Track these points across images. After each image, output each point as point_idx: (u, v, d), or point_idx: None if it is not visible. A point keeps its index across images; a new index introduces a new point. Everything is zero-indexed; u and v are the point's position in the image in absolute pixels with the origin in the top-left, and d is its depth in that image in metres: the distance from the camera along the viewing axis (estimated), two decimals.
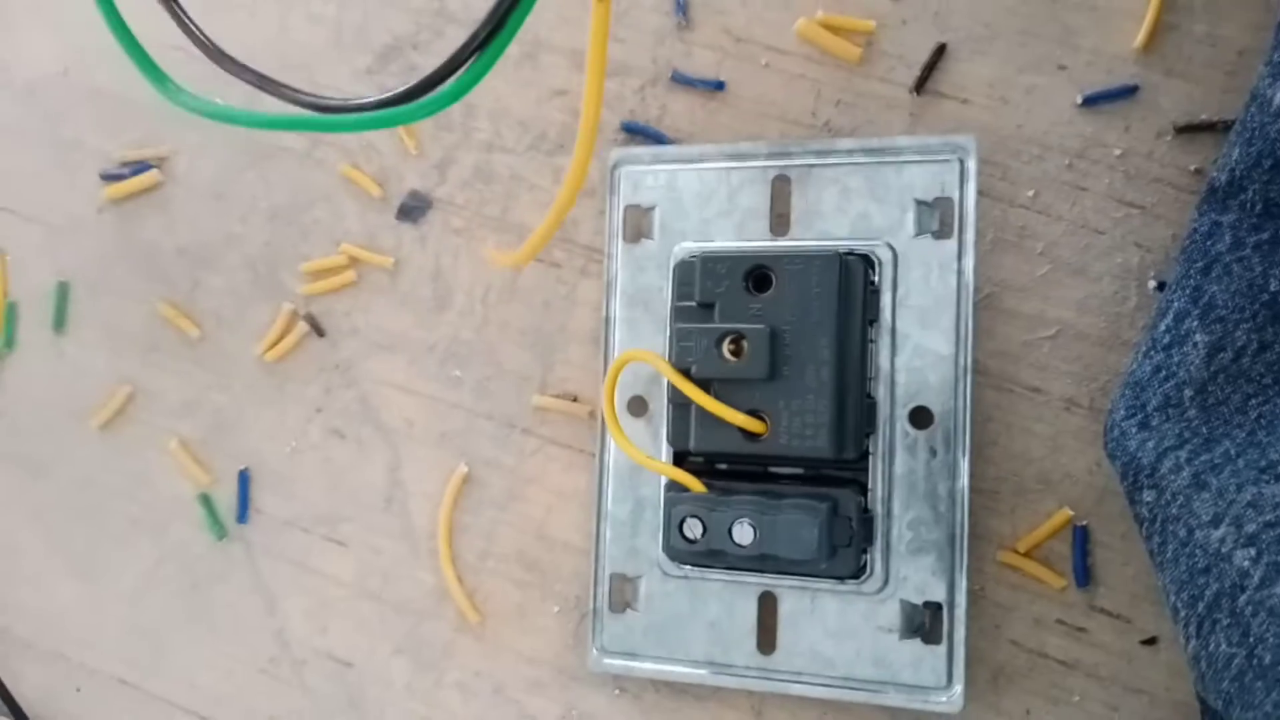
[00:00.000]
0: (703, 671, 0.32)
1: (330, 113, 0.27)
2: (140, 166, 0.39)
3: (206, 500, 0.38)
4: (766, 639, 0.32)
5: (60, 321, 0.40)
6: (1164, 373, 0.27)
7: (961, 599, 0.30)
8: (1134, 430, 0.27)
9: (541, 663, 0.35)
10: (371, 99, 0.25)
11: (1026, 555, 0.31)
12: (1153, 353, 0.27)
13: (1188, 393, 0.27)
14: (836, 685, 0.31)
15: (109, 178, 0.39)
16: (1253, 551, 0.23)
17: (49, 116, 0.40)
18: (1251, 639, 0.22)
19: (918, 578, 0.30)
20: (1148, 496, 0.26)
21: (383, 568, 0.36)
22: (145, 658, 0.38)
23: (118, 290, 0.39)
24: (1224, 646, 0.23)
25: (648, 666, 0.32)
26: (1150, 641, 0.30)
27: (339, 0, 0.37)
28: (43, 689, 0.39)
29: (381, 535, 0.36)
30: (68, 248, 0.40)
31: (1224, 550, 0.24)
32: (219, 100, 0.30)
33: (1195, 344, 0.27)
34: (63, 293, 0.40)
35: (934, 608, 0.30)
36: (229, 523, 0.37)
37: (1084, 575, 0.30)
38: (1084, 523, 0.31)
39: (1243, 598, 0.23)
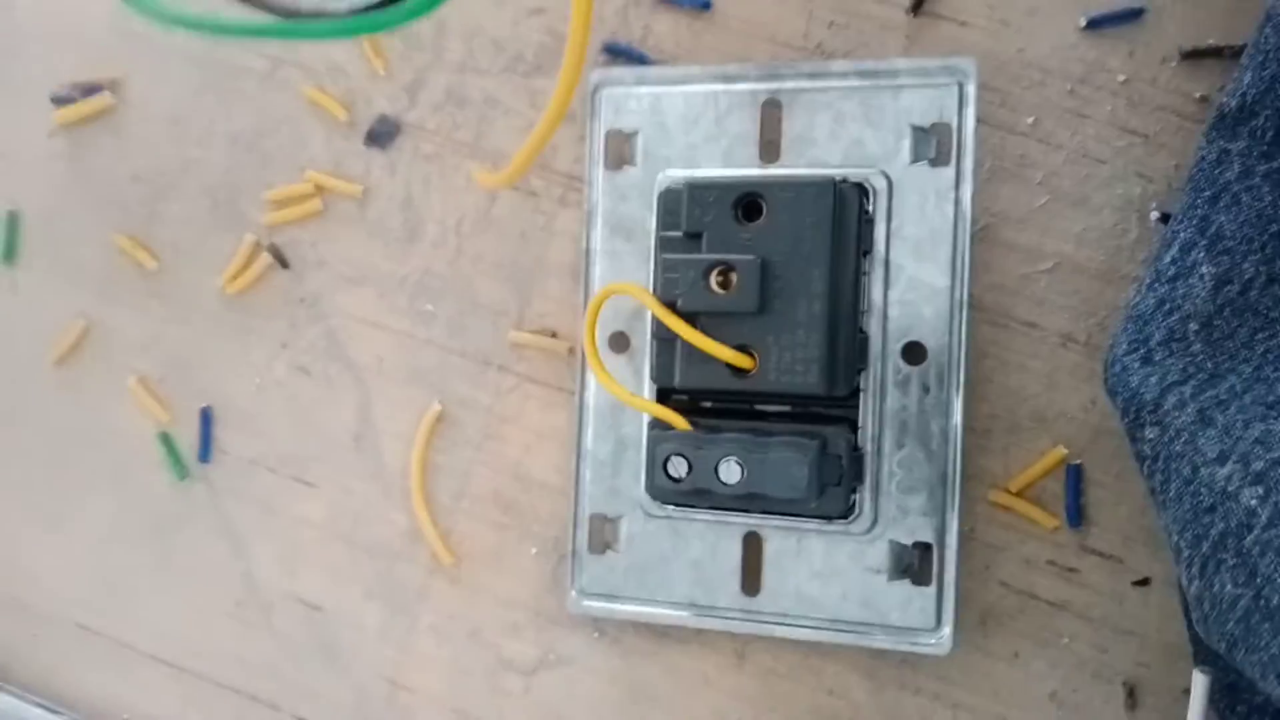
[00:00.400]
0: (685, 613, 0.31)
1: (301, 19, 0.25)
2: (92, 89, 0.37)
3: (167, 439, 0.36)
4: (751, 580, 0.31)
5: (10, 253, 0.38)
6: (1168, 306, 0.26)
7: (952, 540, 0.29)
8: (1136, 365, 0.26)
9: (519, 605, 0.34)
10: (345, 4, 0.24)
11: (1018, 495, 0.30)
12: (1157, 285, 0.26)
13: (1192, 326, 0.26)
14: (822, 627, 0.30)
15: (59, 101, 0.37)
16: (1260, 490, 0.22)
17: (2, 38, 0.38)
18: (1259, 580, 0.22)
19: (907, 518, 0.29)
20: (1150, 433, 0.25)
21: (353, 509, 0.35)
22: (107, 602, 0.37)
23: (70, 220, 0.37)
24: (1229, 587, 0.22)
25: (628, 608, 0.32)
26: (1143, 583, 0.30)
27: None
28: (4, 634, 0.38)
29: (352, 475, 0.35)
30: (17, 176, 0.38)
31: (1230, 489, 0.23)
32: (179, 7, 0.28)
33: (1201, 276, 0.26)
34: (12, 223, 0.38)
35: (923, 548, 0.29)
36: (191, 463, 0.36)
37: (1076, 515, 0.30)
38: (1078, 461, 0.30)
39: (1249, 537, 0.22)
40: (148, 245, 0.37)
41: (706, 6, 0.32)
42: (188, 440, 0.36)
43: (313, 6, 0.24)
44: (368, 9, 0.23)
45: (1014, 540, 0.30)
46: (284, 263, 0.35)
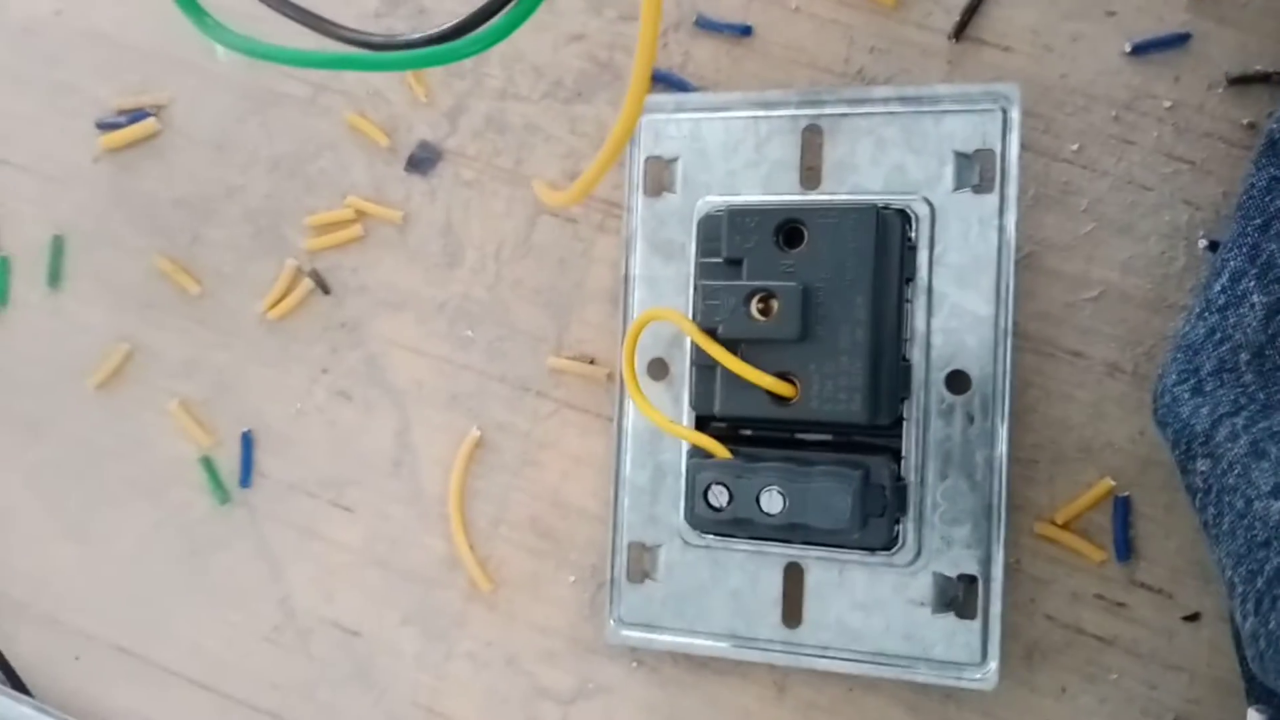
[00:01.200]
0: (724, 644, 0.31)
1: (377, 50, 0.25)
2: (137, 114, 0.37)
3: (208, 463, 0.36)
4: (791, 611, 0.30)
5: (55, 277, 0.38)
6: (1219, 335, 0.26)
7: (998, 572, 0.29)
8: (1187, 396, 0.25)
9: (556, 633, 0.33)
10: (419, 35, 0.24)
11: (1064, 527, 0.30)
12: (1207, 314, 0.26)
13: (1244, 356, 0.25)
14: (864, 660, 0.30)
15: (105, 126, 0.38)
16: None
17: (43, 60, 0.39)
18: None
19: (952, 550, 0.29)
20: (1202, 465, 0.25)
21: (391, 534, 0.35)
22: (145, 625, 0.37)
23: (114, 244, 0.38)
24: None
25: (667, 639, 0.31)
26: (1193, 617, 0.29)
27: None
28: (39, 655, 0.38)
29: (390, 501, 0.35)
30: (63, 199, 0.38)
31: None
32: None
33: (1253, 305, 0.25)
34: (58, 247, 0.38)
35: (968, 580, 0.29)
36: (231, 486, 0.36)
37: (1125, 548, 0.29)
38: (1126, 493, 0.29)
39: None
40: (190, 270, 0.37)
41: (747, 32, 0.32)
42: (228, 464, 0.36)
43: (383, 38, 0.24)
44: (443, 37, 0.23)
45: (1061, 573, 0.30)
46: (325, 288, 0.35)
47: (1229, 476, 0.24)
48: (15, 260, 0.39)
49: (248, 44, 0.28)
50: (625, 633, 0.32)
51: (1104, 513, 0.29)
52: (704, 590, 0.31)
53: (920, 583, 0.29)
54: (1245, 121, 0.29)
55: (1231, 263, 0.26)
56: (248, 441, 0.36)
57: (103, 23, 0.38)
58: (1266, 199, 0.26)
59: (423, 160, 0.35)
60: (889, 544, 0.29)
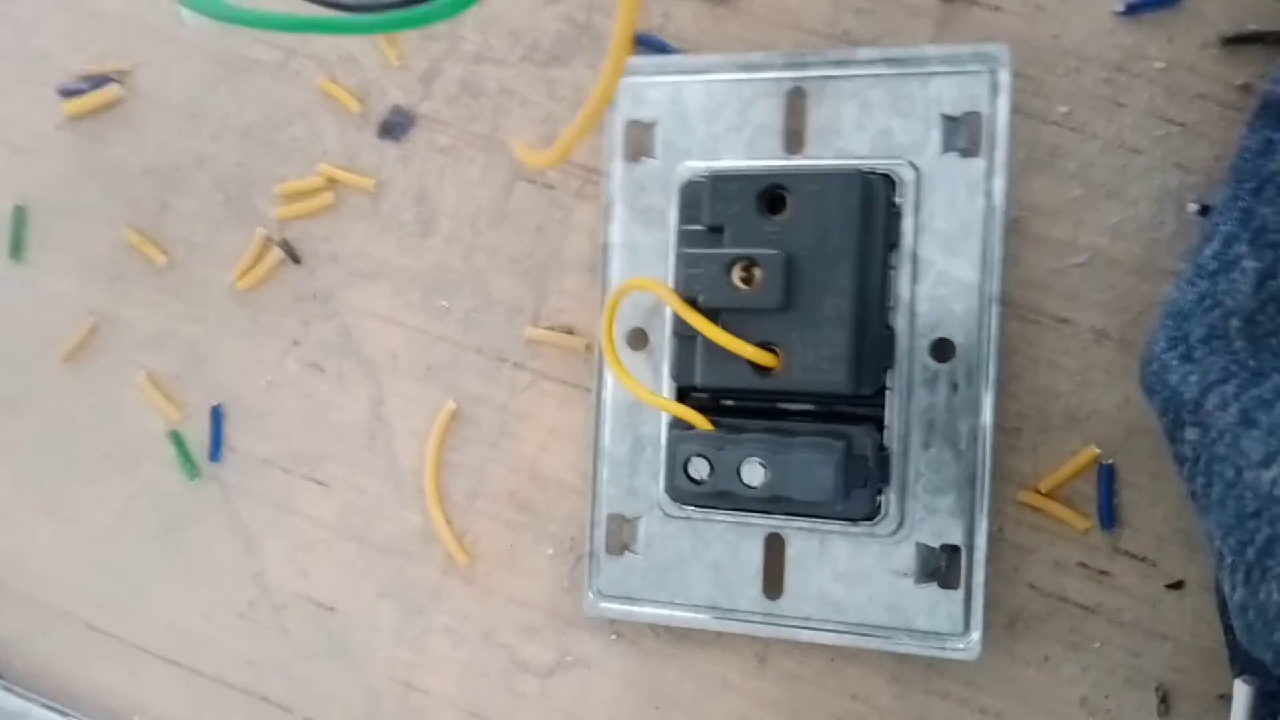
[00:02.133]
0: (705, 616, 0.30)
1: (351, 10, 0.24)
2: (100, 80, 0.36)
3: (177, 438, 0.35)
4: (772, 582, 0.30)
5: (18, 248, 0.37)
6: (1209, 301, 0.25)
7: (981, 542, 0.28)
8: (1176, 363, 0.25)
9: (534, 607, 0.33)
10: None
11: (1049, 495, 0.29)
12: (1197, 280, 0.25)
13: (1235, 323, 0.25)
14: (846, 631, 0.29)
15: (68, 93, 0.37)
16: None
17: (15, 28, 0.37)
18: None
19: (935, 519, 0.29)
20: (1191, 434, 0.24)
21: (366, 508, 0.34)
22: (118, 601, 0.36)
23: (80, 214, 0.37)
24: (1276, 596, 0.21)
25: (647, 610, 0.31)
26: (1176, 585, 0.29)
27: None
28: (13, 632, 0.37)
29: (365, 474, 0.34)
30: (25, 169, 0.37)
31: (1276, 492, 0.22)
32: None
33: (1244, 270, 0.25)
34: (20, 217, 0.37)
35: (951, 550, 0.29)
36: (202, 461, 0.35)
37: (1109, 516, 0.29)
38: (1111, 461, 0.29)
39: None
40: (158, 240, 0.36)
41: None
42: (198, 438, 0.35)
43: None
44: (405, 3, 0.22)
45: (1044, 542, 0.29)
46: (295, 258, 0.35)
47: (1219, 446, 0.23)
48: None
49: (214, 6, 0.27)
50: (604, 605, 0.31)
51: (1089, 481, 0.29)
52: (684, 562, 0.30)
53: (903, 553, 0.29)
54: (1239, 83, 0.29)
55: (1223, 227, 0.26)
56: (217, 416, 0.35)
57: None
58: (1260, 162, 0.26)
59: (395, 126, 0.34)
60: (872, 514, 0.29)
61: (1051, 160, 0.29)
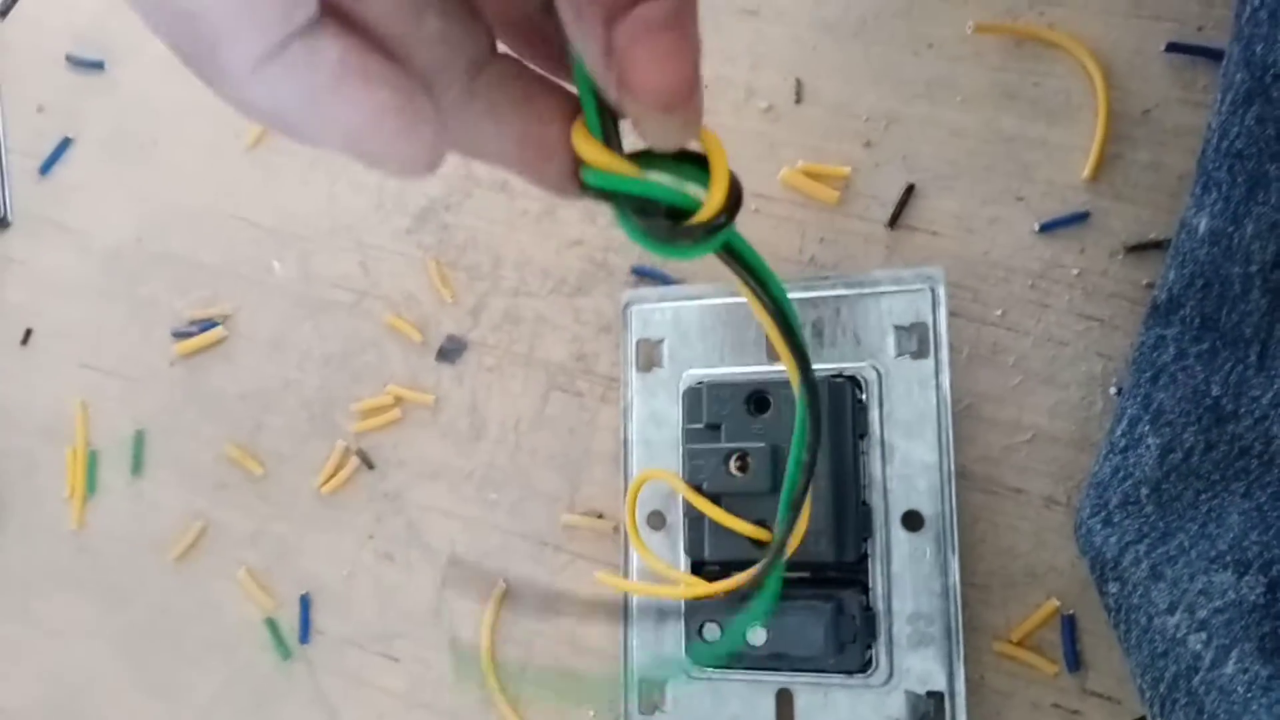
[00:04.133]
0: None
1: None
2: (207, 324, 0.44)
3: (272, 624, 0.41)
4: None
5: (138, 466, 0.44)
6: (1122, 473, 0.30)
7: (961, 687, 0.32)
8: (1099, 527, 0.30)
9: None
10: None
11: (1020, 644, 0.34)
12: (1111, 455, 0.30)
13: (1144, 491, 0.30)
14: None
15: (179, 335, 0.44)
16: (1204, 635, 0.26)
17: (126, 278, 0.46)
18: (1205, 716, 0.25)
19: (920, 669, 0.33)
20: (1112, 588, 0.29)
21: (432, 680, 0.39)
22: None
23: (189, 434, 0.44)
24: None
25: None
26: None
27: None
28: None
29: (430, 649, 0.39)
30: (143, 398, 0.45)
31: (1179, 635, 0.26)
32: None
33: (1148, 446, 0.30)
34: (139, 439, 0.44)
35: (937, 697, 0.33)
36: (292, 643, 0.41)
37: (1074, 661, 0.33)
38: (1070, 612, 0.33)
39: (1196, 678, 0.25)
40: (254, 453, 0.43)
41: None
42: (289, 623, 0.41)
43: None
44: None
45: (1020, 686, 0.34)
46: (370, 464, 0.41)
47: (1134, 596, 0.28)
48: (102, 453, 0.45)
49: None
50: None
51: (1054, 630, 0.33)
52: (707, 719, 0.35)
53: (894, 700, 0.33)
54: (1144, 282, 0.34)
55: (1129, 410, 0.31)
56: (305, 603, 0.41)
57: (176, 246, 0.45)
58: (1154, 354, 0.31)
59: (450, 351, 0.41)
60: (864, 667, 0.33)
61: (993, 355, 0.35)
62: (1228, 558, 0.27)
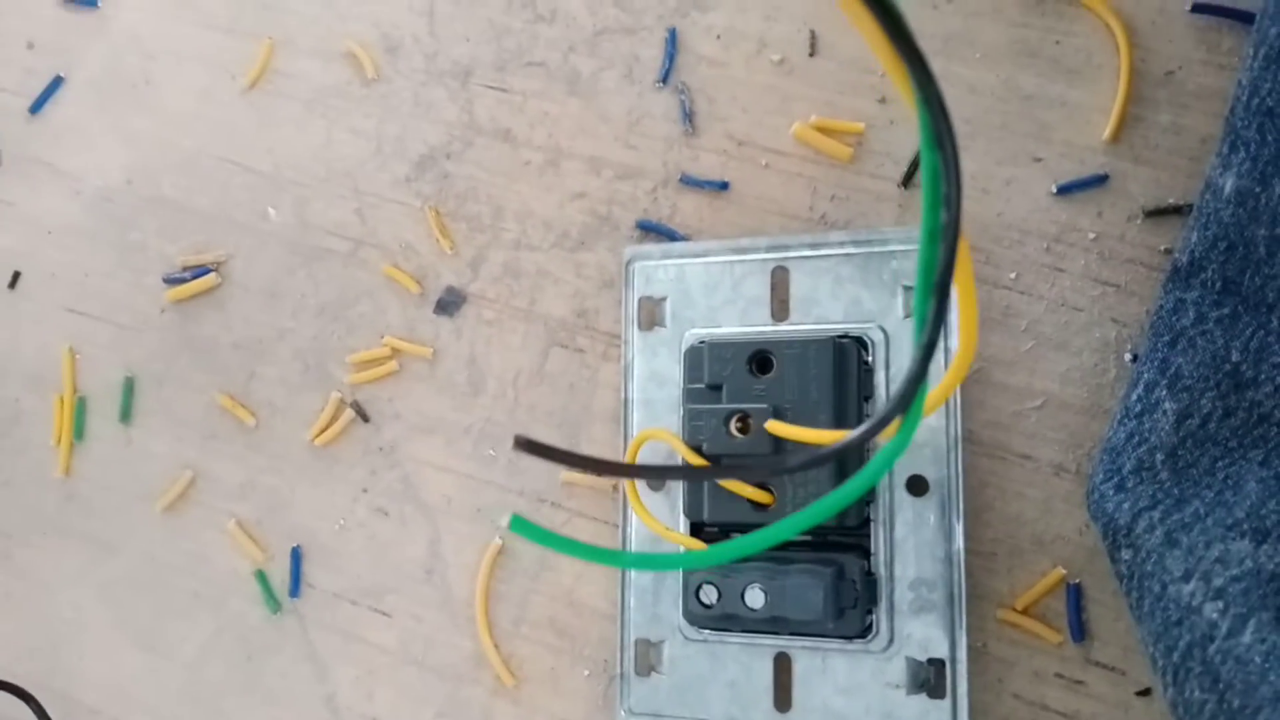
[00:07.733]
0: None
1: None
2: (200, 270, 0.43)
3: (262, 576, 0.40)
4: (782, 697, 0.34)
5: (126, 414, 0.43)
6: (1137, 439, 0.29)
7: (963, 655, 0.32)
8: (1111, 493, 0.29)
9: None
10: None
11: (1024, 613, 0.33)
12: (1126, 420, 0.30)
13: (1159, 457, 0.29)
14: None
15: (171, 281, 0.43)
16: (1220, 604, 0.25)
17: (116, 223, 0.44)
18: (1221, 685, 0.24)
19: (921, 635, 0.32)
20: (1125, 555, 0.28)
21: (424, 635, 0.39)
22: None
23: (180, 383, 0.43)
24: (1197, 693, 0.25)
25: None
26: (1144, 692, 0.32)
27: (379, 114, 0.41)
28: None
29: (423, 605, 0.39)
30: (133, 345, 0.44)
31: (1194, 603, 0.26)
32: None
33: (1165, 411, 0.29)
34: (129, 387, 0.43)
35: (938, 664, 0.32)
36: (283, 597, 0.40)
37: (1079, 630, 0.32)
38: (1076, 581, 0.33)
39: (1212, 647, 0.25)
40: (246, 403, 0.42)
41: (725, 187, 0.37)
42: (279, 576, 0.40)
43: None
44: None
45: (1023, 655, 0.33)
46: (365, 417, 0.40)
47: (1147, 564, 0.27)
48: (91, 399, 0.44)
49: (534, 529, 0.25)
50: None
51: (1058, 599, 0.33)
52: (703, 681, 0.34)
53: (895, 667, 0.32)
54: (1162, 248, 0.33)
55: (1145, 375, 0.30)
56: (296, 556, 0.40)
57: (169, 190, 0.44)
58: (1173, 319, 0.30)
59: (449, 303, 0.40)
60: (863, 633, 0.32)
61: (1005, 319, 0.34)
62: (1245, 525, 0.26)
